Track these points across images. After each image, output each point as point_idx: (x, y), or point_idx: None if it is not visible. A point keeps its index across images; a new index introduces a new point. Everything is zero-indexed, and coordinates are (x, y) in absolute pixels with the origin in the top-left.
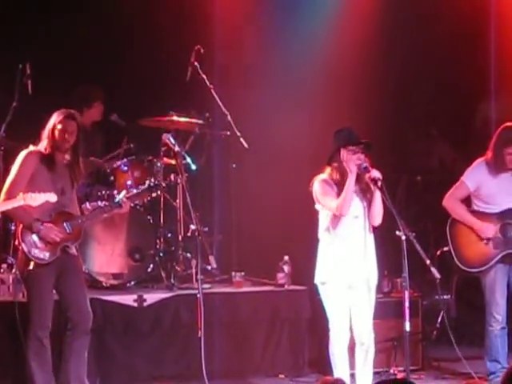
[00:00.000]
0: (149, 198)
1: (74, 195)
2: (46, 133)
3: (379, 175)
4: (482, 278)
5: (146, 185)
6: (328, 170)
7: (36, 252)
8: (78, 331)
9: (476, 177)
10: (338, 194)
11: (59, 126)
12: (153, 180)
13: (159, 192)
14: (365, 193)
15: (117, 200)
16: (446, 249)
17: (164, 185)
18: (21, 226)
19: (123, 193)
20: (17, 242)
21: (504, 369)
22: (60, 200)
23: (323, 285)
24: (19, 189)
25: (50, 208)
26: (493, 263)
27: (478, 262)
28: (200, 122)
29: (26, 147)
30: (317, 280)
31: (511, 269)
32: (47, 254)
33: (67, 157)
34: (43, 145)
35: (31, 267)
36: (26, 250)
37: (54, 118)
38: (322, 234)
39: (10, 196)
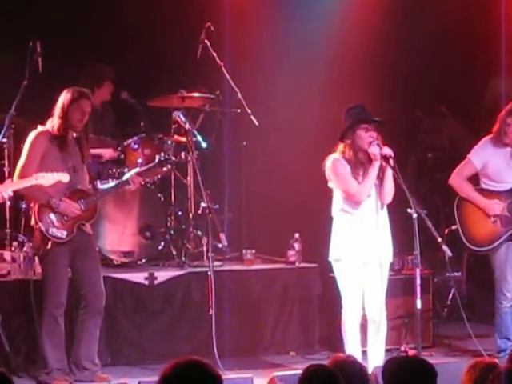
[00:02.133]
0: (159, 176)
1: (85, 172)
2: (58, 111)
3: (391, 152)
4: (492, 256)
5: (157, 160)
6: (340, 147)
7: (54, 231)
8: (91, 310)
9: (482, 154)
10: (352, 173)
11: (74, 106)
12: (162, 155)
13: (169, 166)
14: (378, 172)
15: (125, 178)
16: (454, 227)
17: (174, 159)
18: (37, 205)
19: (133, 170)
20: (33, 222)
21: None
22: (72, 178)
23: (337, 262)
24: (32, 170)
25: (63, 187)
26: (501, 241)
27: (486, 240)
28: (210, 96)
29: (36, 126)
30: (331, 257)
31: None
32: (65, 233)
33: (74, 135)
34: (54, 123)
35: (49, 246)
36: (43, 228)
37: (68, 97)
38: (335, 212)
39: (23, 176)
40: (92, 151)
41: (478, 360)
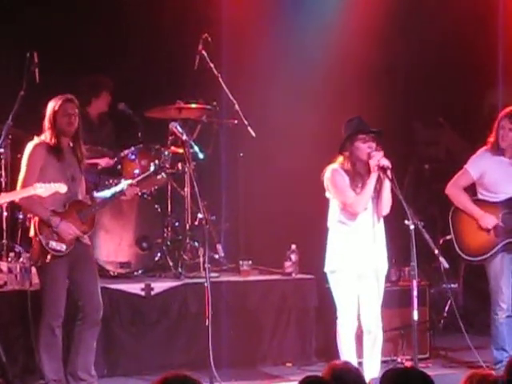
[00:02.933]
0: (156, 187)
1: (82, 181)
2: (47, 123)
3: (388, 163)
4: (487, 267)
5: (152, 168)
6: (340, 159)
7: (54, 244)
8: (89, 321)
9: (479, 165)
10: (350, 185)
11: (60, 112)
12: (157, 162)
13: (164, 175)
14: (375, 184)
15: (119, 188)
16: (448, 237)
17: (168, 166)
18: (37, 218)
19: (128, 181)
20: (32, 233)
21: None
22: (71, 188)
23: (333, 273)
24: (33, 181)
25: (62, 198)
26: (494, 251)
27: (480, 250)
28: (207, 107)
29: (33, 136)
30: (326, 268)
31: None
32: (64, 246)
33: (70, 144)
34: (47, 135)
35: (48, 259)
36: (43, 242)
37: (52, 105)
38: (331, 223)
39: None
40: (88, 161)
41: (475, 371)
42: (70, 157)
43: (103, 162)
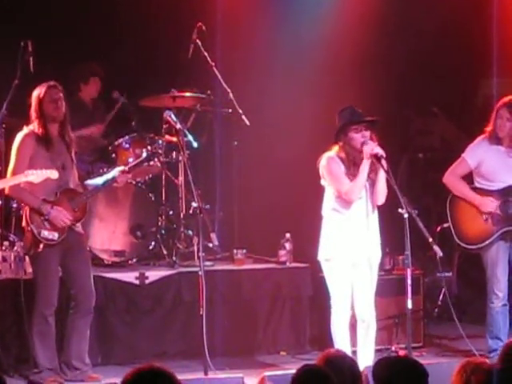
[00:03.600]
0: (150, 176)
1: (74, 169)
2: (33, 113)
3: (382, 152)
4: (483, 255)
5: (144, 155)
6: (336, 147)
7: (46, 233)
8: (81, 310)
9: (476, 153)
10: (346, 174)
11: (46, 98)
12: (149, 148)
13: (156, 161)
14: (369, 173)
15: (112, 174)
16: (445, 225)
17: (160, 152)
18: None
19: (119, 168)
20: (24, 223)
21: None
22: (62, 176)
23: (327, 262)
24: (23, 170)
25: (53, 186)
26: (492, 240)
27: (478, 238)
28: (201, 95)
29: (28, 125)
30: (320, 257)
31: None
32: (56, 235)
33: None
34: (35, 124)
35: (41, 248)
36: (35, 231)
37: (37, 93)
38: (326, 211)
39: None
40: (78, 132)
41: (469, 360)
42: (60, 145)
43: (92, 130)
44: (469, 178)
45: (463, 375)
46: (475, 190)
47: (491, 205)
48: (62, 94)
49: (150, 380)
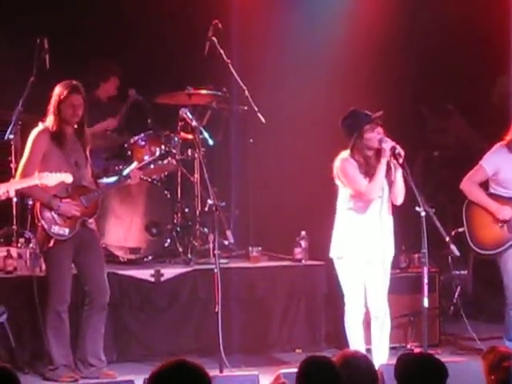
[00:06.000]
0: (166, 173)
1: (88, 166)
2: (51, 108)
3: (400, 150)
4: (499, 261)
5: (158, 153)
6: (349, 150)
7: (56, 229)
8: (95, 306)
9: (495, 161)
10: (363, 175)
11: (66, 102)
12: (163, 147)
13: (171, 159)
14: (386, 172)
15: (125, 172)
16: (460, 230)
17: (174, 151)
18: (39, 203)
19: (133, 164)
20: (36, 220)
21: None
22: (76, 174)
23: (340, 259)
24: (34, 168)
25: (66, 183)
26: (506, 247)
27: (492, 245)
28: (217, 93)
29: (43, 121)
30: (333, 254)
31: None
32: (67, 230)
33: (75, 126)
34: (50, 121)
35: (51, 244)
36: (46, 227)
37: (58, 92)
38: (340, 210)
39: (26, 175)
40: (92, 129)
41: (495, 347)
42: (74, 143)
43: (107, 124)
44: (484, 184)
45: (489, 360)
46: (491, 195)
47: (507, 213)
48: (82, 100)
49: (180, 373)
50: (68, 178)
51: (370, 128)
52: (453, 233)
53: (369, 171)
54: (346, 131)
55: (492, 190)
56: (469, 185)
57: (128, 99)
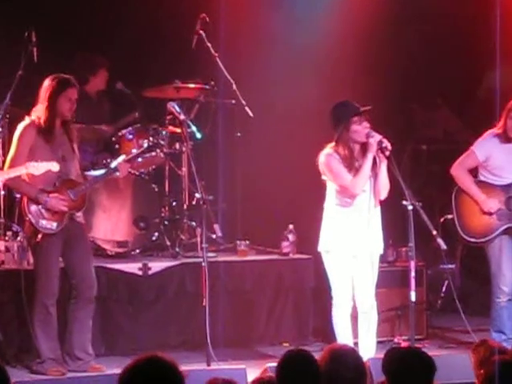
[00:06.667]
0: (154, 167)
1: (75, 160)
2: (44, 102)
3: (388, 143)
4: (487, 250)
5: (145, 145)
6: (332, 144)
7: (44, 223)
8: (83, 300)
9: (486, 147)
10: (346, 167)
11: (63, 97)
12: (151, 139)
13: (158, 151)
14: (372, 166)
15: (113, 165)
16: (449, 217)
17: (162, 143)
18: (26, 198)
19: (121, 157)
20: (23, 214)
21: (509, 340)
22: (62, 167)
23: (327, 253)
24: (21, 161)
25: (53, 176)
26: (496, 235)
27: (481, 232)
28: (205, 86)
29: (29, 115)
30: (321, 248)
31: None
32: (55, 224)
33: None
34: (41, 114)
35: (39, 238)
36: (33, 221)
37: (54, 87)
38: (328, 204)
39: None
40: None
41: (485, 340)
42: (61, 136)
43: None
44: (474, 170)
45: (479, 354)
46: (479, 183)
47: (493, 205)
48: (77, 95)
49: (151, 369)
50: (54, 166)
51: (357, 120)
52: (441, 219)
53: (352, 164)
54: (334, 121)
55: (481, 177)
56: (459, 170)
57: (121, 99)
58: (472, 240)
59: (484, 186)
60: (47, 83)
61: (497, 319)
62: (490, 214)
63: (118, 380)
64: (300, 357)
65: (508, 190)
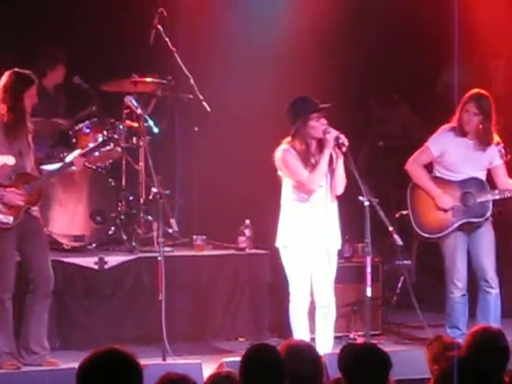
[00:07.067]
0: (111, 161)
1: (31, 155)
2: (5, 96)
3: (345, 139)
4: (441, 245)
5: (100, 139)
6: (288, 139)
7: (0, 217)
8: (39, 294)
9: (441, 143)
10: (302, 163)
11: (27, 94)
12: (105, 133)
13: (113, 145)
14: (329, 162)
15: (68, 159)
16: (404, 212)
17: (117, 137)
18: None
19: (76, 151)
20: None
21: (463, 335)
22: (18, 162)
23: (285, 249)
24: None
25: (9, 171)
26: (450, 230)
27: (436, 228)
28: (162, 81)
29: None
30: (278, 243)
31: (471, 237)
32: (11, 218)
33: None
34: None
35: None
36: None
37: (16, 83)
38: (284, 200)
39: None
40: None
41: (440, 335)
42: (18, 131)
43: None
44: (429, 167)
45: (433, 350)
46: (436, 178)
47: (447, 201)
48: (37, 90)
49: (110, 362)
50: (10, 160)
51: (316, 116)
52: (397, 215)
53: (308, 160)
54: (292, 116)
55: (437, 173)
56: (413, 166)
57: (87, 110)
58: (427, 236)
59: (439, 181)
60: (7, 79)
61: (451, 314)
62: (445, 210)
63: (77, 373)
64: (265, 351)
65: (463, 186)
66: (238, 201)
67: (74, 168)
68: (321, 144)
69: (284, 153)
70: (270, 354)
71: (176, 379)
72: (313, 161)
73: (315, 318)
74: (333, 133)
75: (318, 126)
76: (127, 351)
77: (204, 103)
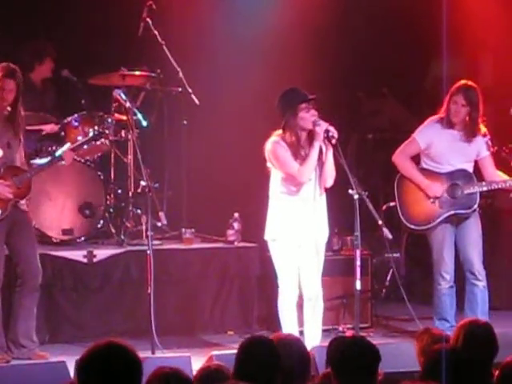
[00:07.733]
0: (99, 154)
1: (21, 148)
2: None
3: (335, 132)
4: (429, 237)
5: (91, 134)
6: (279, 131)
7: None
8: (27, 287)
9: (427, 134)
10: (293, 155)
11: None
12: (96, 128)
13: (103, 140)
14: (318, 155)
15: (58, 153)
16: (392, 204)
17: (107, 132)
18: None
19: (66, 145)
20: None
21: (452, 327)
22: (7, 154)
23: (273, 241)
24: None
25: None
26: (437, 222)
27: (424, 220)
28: (151, 74)
29: None
30: (267, 236)
31: (458, 228)
32: None
33: (9, 109)
34: None
35: None
36: None
37: None
38: (273, 192)
39: None
40: (32, 127)
41: (429, 328)
42: (6, 123)
43: (48, 128)
44: (416, 158)
45: (422, 342)
46: (422, 170)
47: (438, 190)
48: (14, 85)
49: (111, 354)
50: None
51: (305, 107)
52: (384, 207)
53: (298, 152)
54: (282, 107)
55: (424, 165)
56: (401, 158)
57: (67, 87)
58: (414, 227)
59: (427, 173)
60: None
61: (439, 306)
62: (436, 197)
63: (77, 365)
64: (261, 344)
65: (451, 178)
66: (227, 194)
67: (63, 162)
68: (311, 136)
69: (274, 145)
70: (266, 347)
71: (169, 373)
72: (303, 153)
73: (303, 311)
74: (322, 125)
75: (307, 116)
76: (127, 344)
77: (193, 96)
